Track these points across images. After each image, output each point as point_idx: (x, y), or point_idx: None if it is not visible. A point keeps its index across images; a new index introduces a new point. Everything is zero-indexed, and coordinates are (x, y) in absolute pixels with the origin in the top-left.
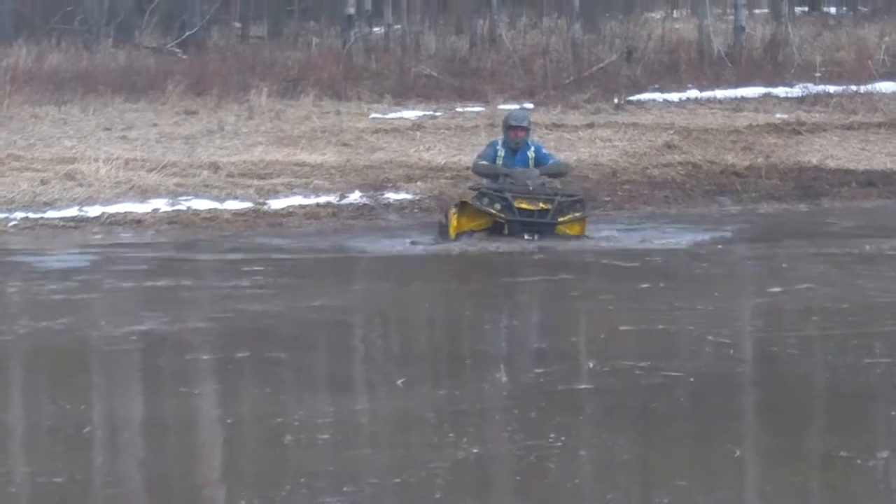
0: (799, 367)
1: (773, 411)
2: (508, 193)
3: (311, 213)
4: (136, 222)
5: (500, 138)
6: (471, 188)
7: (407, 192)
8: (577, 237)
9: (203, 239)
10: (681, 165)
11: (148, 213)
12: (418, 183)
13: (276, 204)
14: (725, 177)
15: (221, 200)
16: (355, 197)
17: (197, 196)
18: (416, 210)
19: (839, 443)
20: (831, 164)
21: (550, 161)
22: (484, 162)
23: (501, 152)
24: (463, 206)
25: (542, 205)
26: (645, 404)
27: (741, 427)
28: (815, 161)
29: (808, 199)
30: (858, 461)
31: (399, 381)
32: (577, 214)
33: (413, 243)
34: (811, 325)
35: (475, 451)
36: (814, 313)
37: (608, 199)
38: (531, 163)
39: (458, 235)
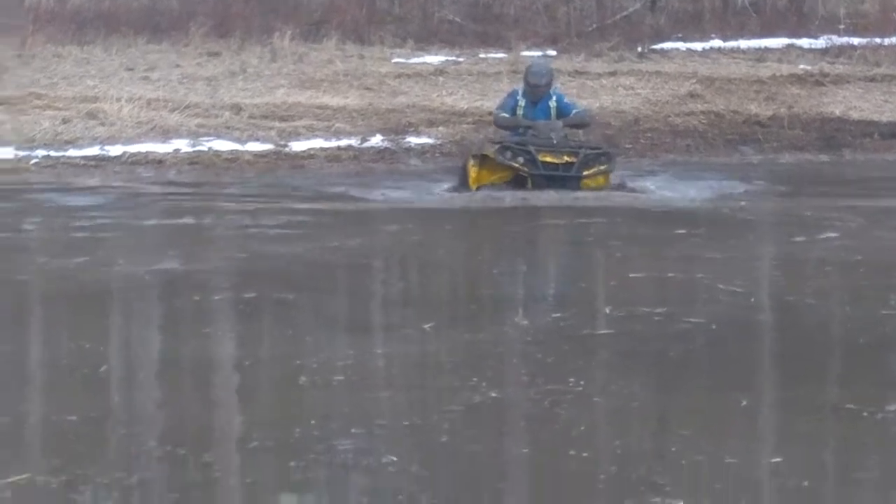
0: (814, 317)
1: (785, 361)
2: (532, 147)
3: (332, 155)
4: (158, 162)
5: (520, 87)
6: (491, 141)
7: (428, 137)
8: (600, 188)
9: (225, 180)
10: (703, 114)
11: (169, 153)
12: (440, 128)
13: (297, 146)
14: (748, 126)
15: (243, 142)
16: (376, 140)
17: (218, 137)
18: (437, 154)
19: (849, 395)
20: (854, 115)
21: (573, 111)
22: (505, 114)
23: (522, 102)
24: (483, 159)
25: (566, 158)
26: (662, 351)
27: (752, 376)
28: (837, 112)
29: (830, 150)
30: (865, 413)
31: (426, 326)
32: (603, 167)
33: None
34: (830, 276)
35: (491, 395)
36: (832, 264)
37: (630, 146)
38: (553, 113)
39: (479, 188)
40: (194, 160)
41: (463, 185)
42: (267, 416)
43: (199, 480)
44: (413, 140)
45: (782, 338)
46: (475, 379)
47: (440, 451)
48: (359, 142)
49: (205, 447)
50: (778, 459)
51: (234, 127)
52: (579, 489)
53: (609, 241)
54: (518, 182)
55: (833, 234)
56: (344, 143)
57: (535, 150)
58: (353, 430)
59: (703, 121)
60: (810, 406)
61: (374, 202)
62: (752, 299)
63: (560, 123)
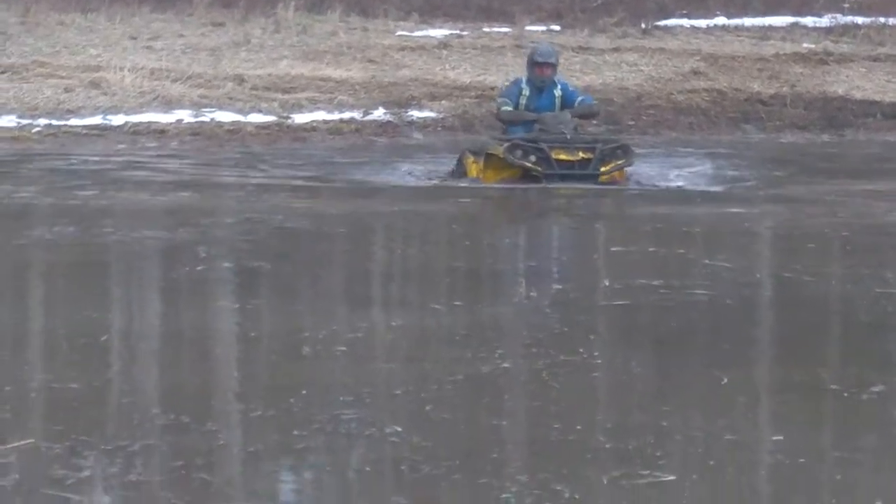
0: (806, 296)
1: (781, 339)
2: (544, 144)
3: (334, 128)
4: (160, 132)
5: (523, 76)
6: (499, 139)
7: (431, 111)
8: (616, 183)
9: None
10: (706, 92)
11: (171, 123)
12: (443, 102)
13: (299, 118)
14: (750, 104)
15: (245, 113)
16: (379, 114)
17: (221, 108)
18: (439, 128)
19: (834, 375)
20: (857, 94)
21: (578, 99)
22: (508, 108)
23: (526, 91)
24: (489, 158)
25: (581, 154)
26: (662, 326)
27: (748, 353)
28: (840, 91)
29: (832, 130)
30: (846, 395)
31: (429, 299)
32: (621, 162)
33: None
34: (825, 255)
35: (492, 367)
36: (828, 243)
37: (632, 122)
38: (558, 102)
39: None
40: (196, 131)
41: (460, 177)
42: (270, 386)
43: (202, 448)
44: (415, 114)
45: (778, 315)
46: (477, 351)
47: (441, 421)
48: (361, 115)
49: (208, 415)
50: (777, 438)
51: (236, 98)
52: (573, 460)
53: (608, 220)
54: (529, 179)
55: (834, 214)
56: (346, 115)
57: (547, 148)
58: (356, 401)
59: (706, 98)
60: (792, 384)
61: (377, 187)
62: (751, 277)
63: (568, 115)
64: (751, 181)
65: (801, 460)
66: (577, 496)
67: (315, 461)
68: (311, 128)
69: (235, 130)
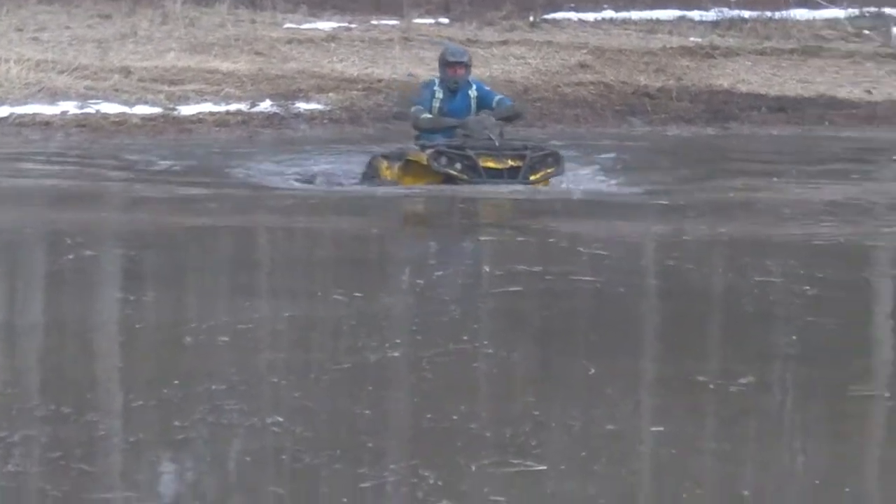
0: (687, 286)
1: (651, 329)
2: (471, 151)
3: (220, 120)
4: (45, 124)
5: (436, 78)
6: (420, 145)
7: (318, 103)
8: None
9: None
10: (593, 85)
11: (57, 115)
12: (330, 94)
13: (185, 110)
14: (637, 97)
15: (131, 105)
16: (266, 106)
17: (107, 100)
18: (325, 121)
19: (703, 367)
20: (742, 88)
21: (495, 99)
22: (427, 115)
23: (439, 94)
24: (407, 165)
25: (511, 162)
26: (546, 315)
27: (627, 344)
28: (726, 85)
29: (717, 123)
30: (712, 386)
31: (315, 289)
32: (550, 171)
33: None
34: (708, 246)
35: (377, 356)
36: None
37: None
38: (473, 103)
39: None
40: (82, 122)
41: (371, 180)
42: (151, 376)
43: (81, 438)
44: (302, 106)
45: (657, 306)
46: (362, 340)
47: (324, 411)
48: (248, 107)
49: (88, 406)
50: (652, 429)
51: (122, 90)
52: (446, 448)
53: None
54: (450, 182)
55: (717, 208)
56: (233, 107)
57: (475, 155)
58: (237, 390)
59: (593, 91)
60: (661, 376)
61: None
62: (632, 267)
63: (492, 119)
64: (636, 174)
65: (673, 451)
66: (440, 483)
67: (196, 452)
68: (197, 119)
69: (121, 122)
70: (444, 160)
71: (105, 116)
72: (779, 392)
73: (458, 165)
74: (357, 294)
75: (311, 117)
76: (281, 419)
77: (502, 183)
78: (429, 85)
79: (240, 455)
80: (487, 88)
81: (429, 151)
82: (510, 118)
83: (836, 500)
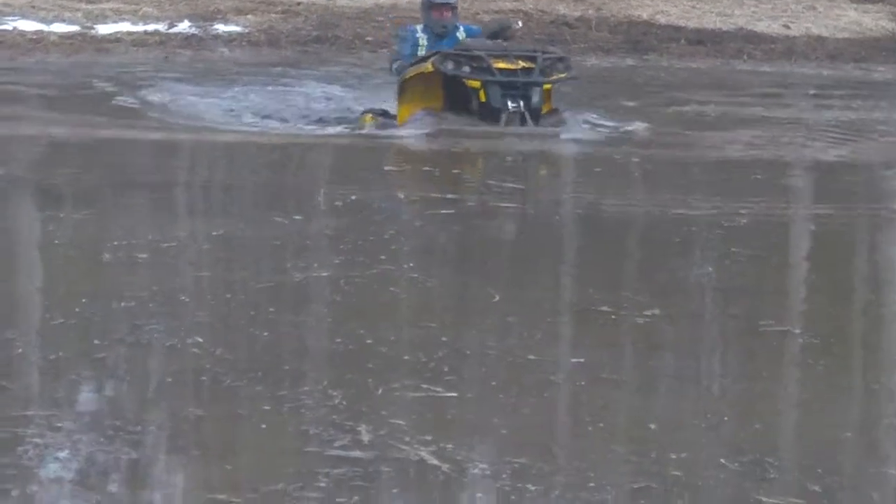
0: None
1: (569, 259)
2: (481, 52)
3: (138, 40)
4: None
5: (418, 25)
6: (411, 65)
7: (237, 25)
8: (550, 115)
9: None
10: (512, 13)
11: None
12: (248, 16)
13: (103, 29)
14: (556, 27)
15: (48, 23)
16: (184, 27)
17: (24, 17)
18: (244, 43)
19: (607, 298)
20: (662, 19)
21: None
22: (408, 65)
23: (423, 41)
24: (403, 89)
25: (522, 63)
26: (464, 239)
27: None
28: (645, 16)
29: (636, 54)
30: (614, 316)
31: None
32: (563, 75)
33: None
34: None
35: (296, 276)
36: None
37: None
38: None
39: (413, 119)
40: None
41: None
42: (71, 294)
43: (1, 357)
44: (221, 27)
45: (573, 238)
46: (285, 262)
47: (244, 332)
48: (166, 27)
49: (6, 324)
50: (559, 359)
51: (39, 7)
52: (356, 370)
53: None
54: (453, 106)
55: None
56: (151, 27)
57: (486, 55)
58: (157, 311)
59: (512, 18)
60: (564, 306)
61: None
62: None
63: (485, 39)
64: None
65: (582, 383)
66: (345, 402)
67: (115, 371)
68: (115, 39)
69: (38, 40)
70: (450, 64)
71: (22, 34)
72: (686, 324)
73: (467, 68)
74: (297, 217)
75: (229, 39)
76: (201, 339)
77: (518, 81)
78: (410, 32)
79: (160, 376)
80: (476, 27)
81: (433, 58)
82: (501, 33)
83: (743, 435)
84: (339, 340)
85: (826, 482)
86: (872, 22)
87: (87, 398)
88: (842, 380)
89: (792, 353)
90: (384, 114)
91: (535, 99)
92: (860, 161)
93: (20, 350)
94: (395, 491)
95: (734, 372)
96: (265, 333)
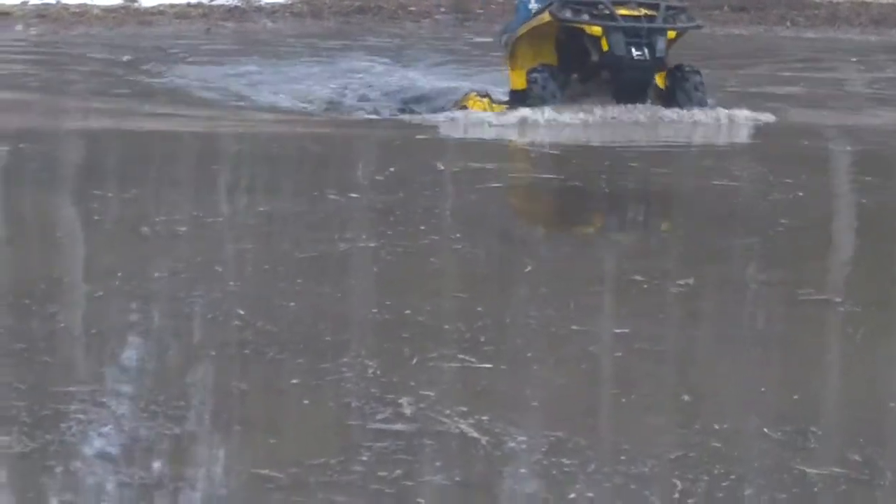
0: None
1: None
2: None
3: (181, 12)
4: (4, 14)
5: None
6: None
7: None
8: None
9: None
10: None
11: (16, 5)
12: None
13: (146, 2)
14: None
15: None
16: None
17: None
18: (287, 14)
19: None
20: None
21: None
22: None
23: (535, 7)
24: (513, 52)
25: (644, 11)
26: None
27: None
28: None
29: None
30: (646, 286)
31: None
32: (688, 25)
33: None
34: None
35: (342, 246)
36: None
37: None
38: None
39: (531, 76)
40: (42, 13)
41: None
42: (113, 268)
43: (43, 331)
44: None
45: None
46: (328, 233)
47: (285, 306)
48: None
49: (50, 298)
50: (614, 330)
51: None
52: (392, 339)
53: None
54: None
55: None
56: (193, 0)
57: (607, 1)
58: (200, 283)
59: None
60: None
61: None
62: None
63: None
64: None
65: (618, 354)
66: (385, 374)
67: (157, 345)
68: (158, 11)
69: (81, 13)
70: (568, 12)
71: (66, 7)
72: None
73: (586, 16)
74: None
75: (272, 11)
76: (242, 312)
77: (642, 27)
78: (521, 4)
79: (203, 350)
80: None
81: (550, 7)
82: None
83: (783, 405)
84: (374, 311)
85: (867, 452)
86: None
87: (129, 373)
88: (883, 349)
89: (833, 322)
90: (487, 96)
91: (660, 46)
92: None
93: (62, 324)
94: (437, 464)
95: (775, 342)
96: (307, 304)
